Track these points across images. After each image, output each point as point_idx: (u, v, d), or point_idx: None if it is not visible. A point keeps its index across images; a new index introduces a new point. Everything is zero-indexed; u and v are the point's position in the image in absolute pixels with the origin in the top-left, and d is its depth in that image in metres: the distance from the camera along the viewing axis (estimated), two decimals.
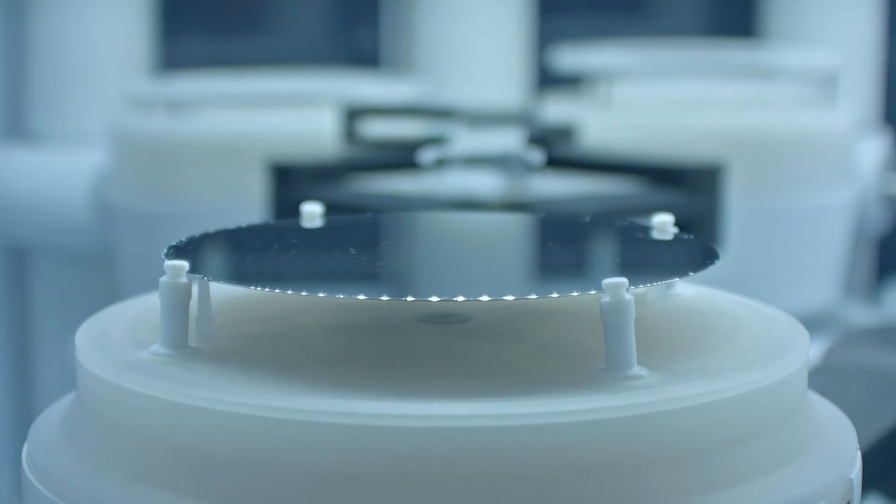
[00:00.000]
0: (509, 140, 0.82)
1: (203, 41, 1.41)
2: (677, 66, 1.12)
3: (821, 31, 1.38)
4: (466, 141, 0.82)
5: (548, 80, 1.25)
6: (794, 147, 1.05)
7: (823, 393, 0.64)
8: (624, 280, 0.35)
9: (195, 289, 0.39)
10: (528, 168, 0.79)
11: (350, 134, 0.91)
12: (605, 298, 0.35)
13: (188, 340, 0.38)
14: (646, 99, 1.09)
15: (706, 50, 1.23)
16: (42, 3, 1.19)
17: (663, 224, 0.45)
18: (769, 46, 1.37)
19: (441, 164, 0.79)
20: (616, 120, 1.00)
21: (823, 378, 0.69)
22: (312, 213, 0.47)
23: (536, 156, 0.79)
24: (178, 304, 0.37)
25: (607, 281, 0.35)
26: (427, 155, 0.79)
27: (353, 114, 0.91)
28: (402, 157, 0.84)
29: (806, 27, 1.38)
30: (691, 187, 0.80)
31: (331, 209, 0.78)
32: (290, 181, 0.81)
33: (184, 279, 0.37)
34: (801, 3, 1.39)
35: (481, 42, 1.29)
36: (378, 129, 0.93)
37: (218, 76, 1.17)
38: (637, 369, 0.36)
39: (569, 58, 1.14)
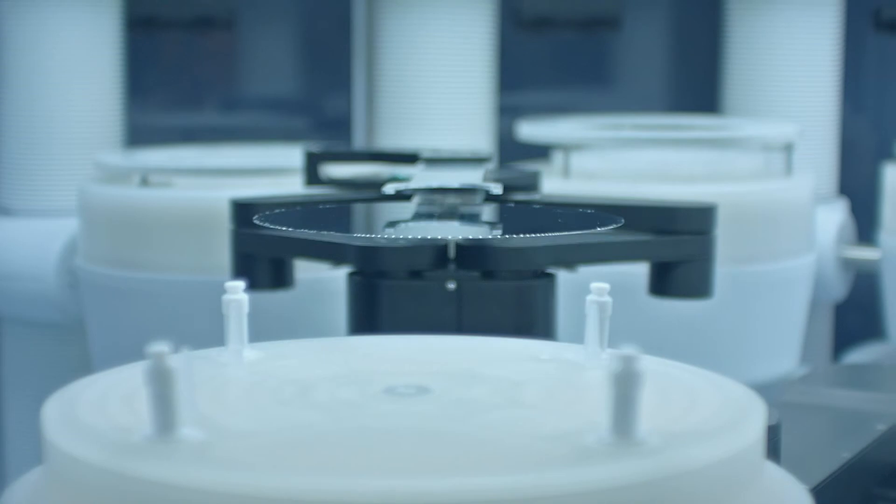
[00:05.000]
0: (470, 175, 0.83)
1: (174, 113, 1.42)
2: (635, 138, 1.15)
3: (778, 104, 1.41)
4: (428, 177, 0.83)
5: (517, 151, 1.27)
6: (754, 216, 1.07)
7: (783, 427, 0.65)
8: (636, 353, 0.36)
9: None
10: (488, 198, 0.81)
11: (312, 177, 0.92)
12: (617, 368, 0.36)
13: (180, 425, 0.37)
14: (608, 169, 1.11)
15: (666, 122, 1.26)
16: (11, 81, 1.21)
17: (600, 291, 0.46)
18: (728, 119, 1.40)
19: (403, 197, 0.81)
20: (575, 190, 1.01)
21: (783, 413, 0.70)
22: (235, 287, 0.47)
23: (497, 187, 0.80)
24: (165, 390, 0.37)
25: (620, 352, 0.36)
26: (389, 188, 0.80)
27: (315, 157, 0.93)
28: (364, 196, 0.86)
29: (765, 102, 1.41)
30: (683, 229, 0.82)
31: (293, 247, 0.79)
32: (252, 218, 0.82)
33: (168, 364, 0.37)
34: (760, 79, 1.42)
35: (447, 112, 1.31)
36: (341, 172, 0.94)
37: (189, 149, 1.18)
38: (644, 435, 0.37)
39: (528, 129, 1.16)
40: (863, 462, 0.75)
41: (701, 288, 0.82)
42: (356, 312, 0.78)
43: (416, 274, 0.75)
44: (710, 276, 0.82)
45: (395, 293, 0.76)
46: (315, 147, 0.94)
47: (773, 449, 0.67)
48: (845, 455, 0.74)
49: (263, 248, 0.83)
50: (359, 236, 0.77)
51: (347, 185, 0.92)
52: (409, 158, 0.92)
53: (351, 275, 0.78)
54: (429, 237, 0.75)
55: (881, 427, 0.79)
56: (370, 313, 0.77)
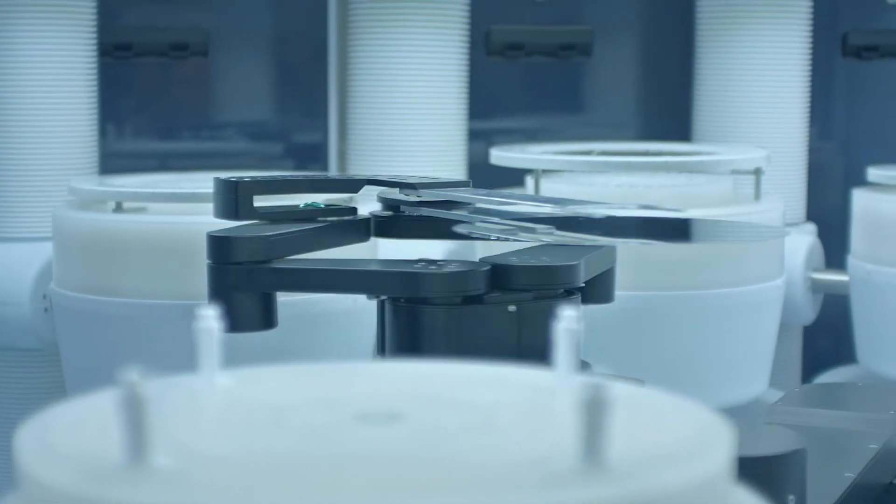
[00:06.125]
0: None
1: (149, 139, 1.42)
2: (605, 163, 1.16)
3: (748, 130, 1.42)
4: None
5: (489, 176, 1.28)
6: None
7: None
8: (604, 382, 0.37)
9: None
10: None
11: (244, 209, 0.86)
12: (587, 395, 0.37)
13: (152, 452, 0.37)
14: (578, 194, 1.12)
15: (637, 148, 1.27)
16: None
17: (570, 319, 0.46)
18: (698, 145, 1.41)
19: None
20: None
21: None
22: (206, 314, 0.46)
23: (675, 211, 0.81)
24: (137, 417, 0.37)
25: (588, 380, 0.37)
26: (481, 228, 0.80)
27: (246, 188, 0.86)
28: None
29: (734, 128, 1.43)
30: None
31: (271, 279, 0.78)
32: (228, 251, 0.80)
33: (140, 391, 0.37)
34: (730, 105, 1.43)
35: (420, 138, 1.31)
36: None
37: (163, 175, 1.18)
38: (613, 460, 0.37)
39: (499, 155, 1.17)
40: (865, 481, 0.75)
41: (607, 294, 0.85)
42: (400, 339, 0.78)
43: (470, 298, 0.76)
44: (613, 282, 0.85)
45: (457, 318, 0.77)
46: (236, 177, 0.88)
47: (800, 474, 0.68)
48: (849, 475, 0.74)
49: (279, 284, 0.80)
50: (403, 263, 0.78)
51: (278, 215, 0.86)
52: (353, 185, 0.90)
53: (393, 301, 0.78)
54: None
55: (873, 446, 0.79)
56: (429, 339, 0.77)
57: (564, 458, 0.38)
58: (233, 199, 0.85)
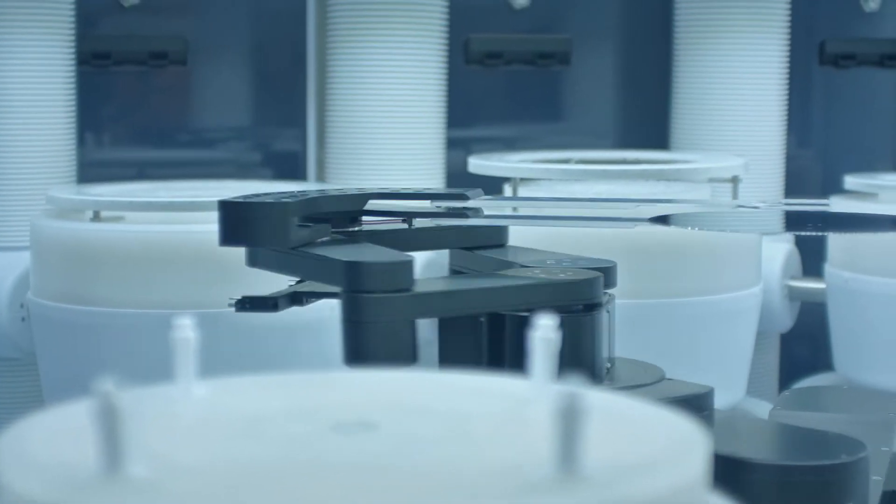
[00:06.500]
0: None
1: (127, 148, 1.42)
2: (583, 171, 1.16)
3: (726, 139, 1.43)
4: None
5: (466, 185, 1.28)
6: (701, 248, 1.08)
7: None
8: (581, 390, 0.37)
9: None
10: None
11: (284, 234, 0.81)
12: (562, 403, 0.37)
13: (128, 462, 0.38)
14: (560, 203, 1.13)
15: (615, 156, 1.27)
16: None
17: (546, 327, 0.46)
18: (676, 153, 1.42)
19: None
20: None
21: None
22: (183, 324, 0.45)
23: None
24: (112, 427, 0.37)
25: (564, 389, 0.37)
26: None
27: (290, 207, 0.80)
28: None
29: (712, 136, 1.44)
30: None
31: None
32: (378, 279, 0.72)
33: (115, 401, 0.37)
34: (708, 113, 1.44)
35: (398, 147, 1.31)
36: None
37: (141, 183, 1.18)
38: (588, 469, 0.37)
39: (477, 163, 1.18)
40: (890, 486, 0.76)
41: None
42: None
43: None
44: None
45: (589, 323, 0.80)
46: (273, 196, 0.80)
47: (863, 482, 0.68)
48: (877, 478, 0.74)
49: (444, 309, 0.75)
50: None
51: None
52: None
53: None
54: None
55: (885, 449, 0.80)
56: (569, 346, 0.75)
57: (540, 467, 0.38)
58: (282, 223, 0.77)
